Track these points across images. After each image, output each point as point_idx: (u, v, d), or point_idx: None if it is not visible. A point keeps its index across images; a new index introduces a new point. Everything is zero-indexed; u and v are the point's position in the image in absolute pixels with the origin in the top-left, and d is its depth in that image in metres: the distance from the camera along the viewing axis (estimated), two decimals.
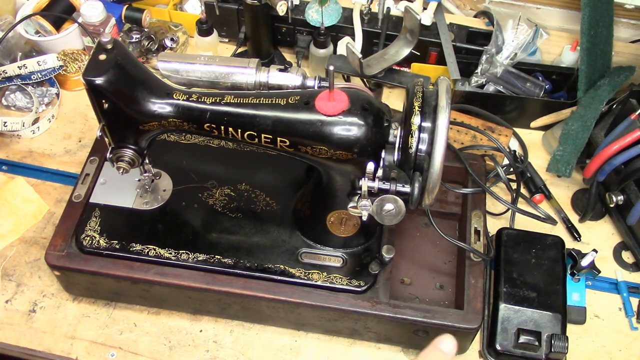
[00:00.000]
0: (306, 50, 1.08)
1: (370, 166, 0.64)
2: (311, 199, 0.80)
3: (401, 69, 1.02)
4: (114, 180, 0.85)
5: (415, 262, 0.87)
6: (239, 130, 0.68)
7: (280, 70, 0.73)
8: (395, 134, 0.66)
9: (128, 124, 0.71)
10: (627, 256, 0.92)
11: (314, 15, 1.03)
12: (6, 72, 1.02)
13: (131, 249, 0.79)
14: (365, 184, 0.64)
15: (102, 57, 0.67)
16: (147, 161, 0.79)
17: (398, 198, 0.63)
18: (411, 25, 0.80)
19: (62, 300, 0.86)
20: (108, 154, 0.75)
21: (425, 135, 0.63)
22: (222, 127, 0.69)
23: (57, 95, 1.07)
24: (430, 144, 0.63)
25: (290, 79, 0.73)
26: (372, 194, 0.64)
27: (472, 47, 1.02)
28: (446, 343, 0.65)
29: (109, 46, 0.67)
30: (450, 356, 0.64)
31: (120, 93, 0.68)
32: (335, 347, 0.83)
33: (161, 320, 0.84)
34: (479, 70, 1.00)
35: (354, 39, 1.04)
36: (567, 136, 0.94)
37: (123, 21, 1.09)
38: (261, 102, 0.68)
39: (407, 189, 0.63)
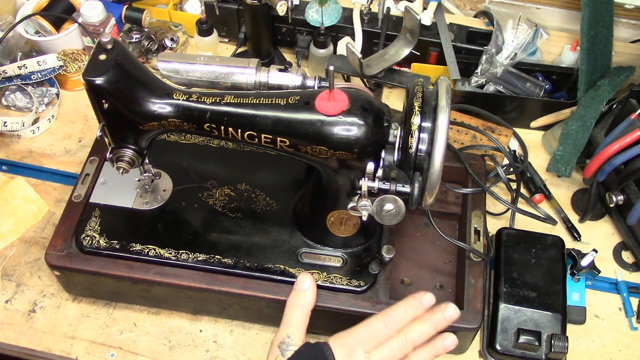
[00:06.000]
0: (306, 50, 1.08)
1: (370, 166, 0.64)
2: (311, 199, 0.80)
3: (401, 69, 1.02)
4: (114, 180, 0.85)
5: (415, 262, 0.87)
6: (239, 130, 0.68)
7: (280, 70, 0.73)
8: (395, 134, 0.66)
9: (128, 124, 0.71)
10: (627, 256, 0.92)
11: (314, 15, 1.03)
12: (6, 72, 1.02)
13: (131, 249, 0.79)
14: (365, 184, 0.64)
15: (102, 57, 0.67)
16: (147, 161, 0.79)
17: (398, 198, 0.63)
18: (411, 25, 0.80)
19: (62, 300, 0.86)
20: (108, 154, 0.75)
21: (425, 135, 0.63)
22: (222, 127, 0.69)
23: (57, 95, 1.07)
24: (430, 144, 0.63)
25: (290, 79, 0.73)
26: (372, 194, 0.64)
27: (472, 47, 1.02)
28: (301, 281, 0.73)
29: (109, 46, 0.67)
30: (311, 293, 0.72)
31: (120, 93, 0.68)
32: None
33: (161, 320, 0.84)
34: (479, 70, 1.00)
35: (354, 39, 1.04)
36: (567, 136, 0.94)
37: (123, 21, 1.09)
38: (261, 102, 0.68)
39: (407, 189, 0.63)
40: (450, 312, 0.68)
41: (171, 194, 0.84)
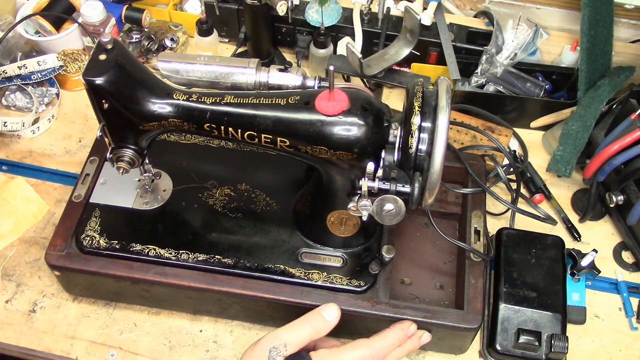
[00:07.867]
0: (306, 50, 1.08)
1: (370, 166, 0.64)
2: (311, 199, 0.80)
3: (401, 69, 1.02)
4: (114, 180, 0.85)
5: (415, 262, 0.87)
6: (239, 130, 0.68)
7: (280, 70, 0.73)
8: (395, 134, 0.66)
9: (128, 124, 0.71)
10: (627, 256, 0.92)
11: (314, 15, 1.03)
12: (6, 72, 1.02)
13: (131, 249, 0.79)
14: (365, 184, 0.64)
15: (102, 57, 0.67)
16: (147, 161, 0.79)
17: (398, 198, 0.63)
18: (411, 25, 0.80)
19: (62, 300, 0.86)
20: (108, 154, 0.75)
21: (425, 135, 0.63)
22: (222, 127, 0.69)
23: (57, 95, 1.07)
24: (430, 144, 0.63)
25: (290, 79, 0.73)
26: (372, 194, 0.64)
27: (472, 47, 1.02)
28: (330, 311, 0.71)
29: (109, 46, 0.67)
30: (330, 325, 0.71)
31: (120, 93, 0.68)
32: None
33: (161, 320, 0.84)
34: (479, 70, 1.00)
35: (354, 39, 1.04)
36: (567, 136, 0.94)
37: (123, 21, 1.09)
38: (261, 102, 0.68)
39: (407, 189, 0.63)
40: (425, 338, 0.76)
41: (171, 194, 0.84)
